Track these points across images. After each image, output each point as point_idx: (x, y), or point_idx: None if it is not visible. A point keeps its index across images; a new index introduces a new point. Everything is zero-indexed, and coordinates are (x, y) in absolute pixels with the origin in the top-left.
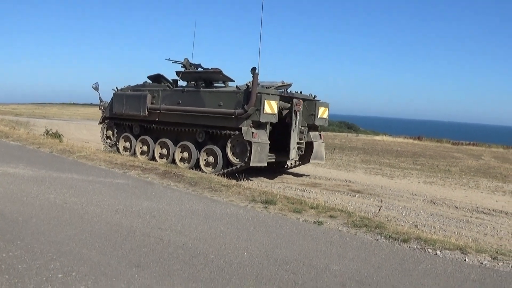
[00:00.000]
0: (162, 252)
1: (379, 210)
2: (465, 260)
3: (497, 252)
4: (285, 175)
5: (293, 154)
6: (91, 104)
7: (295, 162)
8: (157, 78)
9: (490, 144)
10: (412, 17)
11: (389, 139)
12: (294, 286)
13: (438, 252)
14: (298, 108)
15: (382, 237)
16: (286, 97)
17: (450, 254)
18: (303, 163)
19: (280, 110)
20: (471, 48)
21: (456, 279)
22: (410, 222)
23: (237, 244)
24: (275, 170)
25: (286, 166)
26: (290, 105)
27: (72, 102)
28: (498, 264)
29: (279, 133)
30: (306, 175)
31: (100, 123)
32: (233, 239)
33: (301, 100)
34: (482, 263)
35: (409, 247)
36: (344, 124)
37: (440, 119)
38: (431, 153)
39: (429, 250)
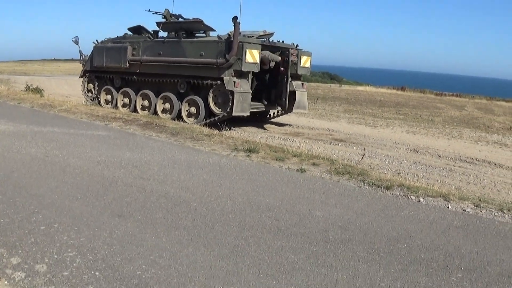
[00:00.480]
0: (144, 201)
1: (362, 157)
2: (448, 207)
3: (480, 200)
4: (268, 125)
5: (305, 105)
6: (72, 60)
7: (278, 112)
8: (138, 30)
9: (474, 95)
10: None
11: (372, 89)
12: (277, 232)
13: (421, 199)
14: (294, 58)
15: (365, 184)
16: (268, 46)
17: (433, 201)
18: (286, 113)
19: (269, 61)
20: None
21: (439, 225)
22: (393, 170)
23: (220, 192)
24: (257, 120)
25: (268, 116)
26: (279, 56)
27: (53, 58)
28: (481, 211)
29: (269, 83)
30: (289, 125)
31: (81, 76)
32: (215, 187)
33: (296, 50)
34: (465, 210)
35: (392, 194)
36: (327, 74)
37: (423, 70)
38: (414, 104)
39: (412, 197)
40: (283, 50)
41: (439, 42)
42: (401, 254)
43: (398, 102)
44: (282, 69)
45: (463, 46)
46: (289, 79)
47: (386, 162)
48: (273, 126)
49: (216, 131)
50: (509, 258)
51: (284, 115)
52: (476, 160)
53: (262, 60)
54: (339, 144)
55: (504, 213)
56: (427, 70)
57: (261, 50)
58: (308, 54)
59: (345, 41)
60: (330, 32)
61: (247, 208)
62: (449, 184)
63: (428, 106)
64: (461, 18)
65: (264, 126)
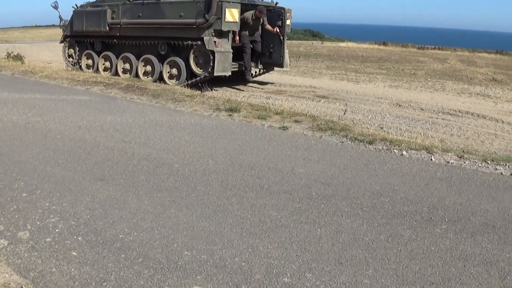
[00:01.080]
0: (126, 164)
1: (344, 113)
2: (431, 159)
3: (463, 151)
4: (250, 84)
5: (287, 63)
6: (53, 25)
7: (260, 71)
8: None
9: (456, 48)
10: None
11: (354, 45)
12: (259, 190)
13: (404, 153)
14: (288, 17)
15: (348, 140)
16: (247, 5)
17: (416, 154)
18: (268, 71)
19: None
20: None
21: (423, 177)
22: (376, 125)
23: (202, 153)
24: (239, 79)
25: (250, 74)
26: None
27: (34, 25)
28: (464, 162)
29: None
30: (271, 83)
31: (61, 42)
32: (197, 147)
33: (290, 9)
34: (449, 162)
35: (375, 148)
36: (308, 32)
37: (406, 24)
38: (396, 58)
39: (395, 150)
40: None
41: None
42: (384, 207)
43: (380, 57)
44: (276, 29)
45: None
46: (286, 38)
47: (369, 117)
48: (255, 85)
49: (198, 92)
50: (493, 208)
51: (266, 74)
52: (459, 112)
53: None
54: (322, 101)
55: (488, 163)
56: (409, 24)
57: (241, 8)
58: (288, 11)
59: None
60: None
61: (229, 168)
62: (432, 137)
63: (410, 60)
64: None
65: (246, 85)
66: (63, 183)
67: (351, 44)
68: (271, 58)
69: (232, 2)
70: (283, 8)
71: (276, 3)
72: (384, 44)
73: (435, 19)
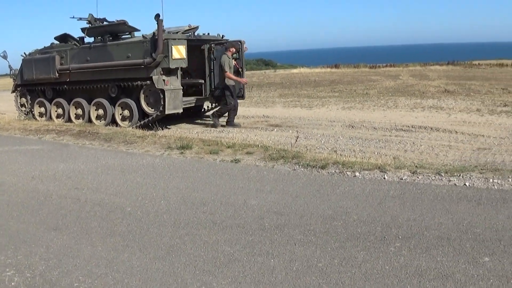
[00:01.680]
0: (79, 211)
1: (296, 140)
2: (384, 178)
3: (416, 166)
4: (204, 119)
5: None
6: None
7: (212, 105)
8: (64, 38)
9: (408, 63)
10: None
11: (307, 70)
12: (212, 226)
13: (357, 174)
14: (245, 49)
15: (300, 167)
16: (194, 41)
17: (369, 174)
18: (220, 105)
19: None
20: None
21: (375, 197)
22: (329, 148)
23: (154, 193)
24: (193, 115)
25: (203, 109)
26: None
27: None
28: (417, 177)
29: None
30: (224, 116)
31: (13, 91)
32: (149, 189)
33: (244, 41)
34: (402, 179)
35: (328, 172)
36: (261, 61)
37: (357, 45)
38: (349, 79)
39: (347, 173)
40: (231, 43)
41: (368, 15)
42: (338, 231)
43: (333, 80)
44: (235, 62)
45: (391, 17)
46: (245, 70)
47: (322, 141)
48: (209, 119)
49: (150, 132)
50: (447, 220)
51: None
52: (412, 127)
53: None
54: (275, 130)
55: (442, 175)
56: (360, 44)
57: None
58: (244, 43)
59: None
60: (261, 18)
61: (181, 206)
62: (386, 155)
63: (363, 80)
64: None
65: (199, 120)
66: (17, 236)
67: (303, 70)
68: None
69: (178, 39)
70: (240, 41)
71: (223, 36)
72: (336, 66)
73: (386, 37)
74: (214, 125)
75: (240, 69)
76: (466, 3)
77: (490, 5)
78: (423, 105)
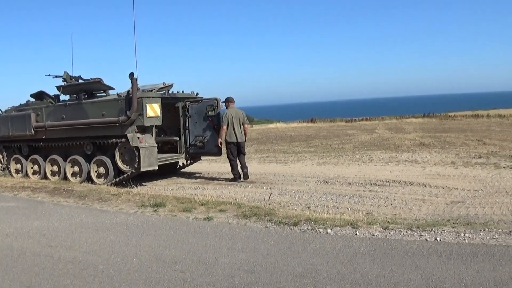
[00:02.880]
0: (52, 269)
1: (269, 197)
2: (356, 234)
3: (388, 222)
4: (179, 176)
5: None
6: None
7: (187, 162)
8: (40, 95)
9: (384, 116)
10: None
11: (283, 125)
12: (183, 284)
13: (329, 230)
14: (220, 106)
15: (272, 224)
16: (168, 98)
17: (341, 231)
18: (195, 161)
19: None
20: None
21: (346, 254)
22: (303, 205)
23: (126, 251)
24: (168, 172)
25: (178, 166)
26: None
27: None
28: (389, 233)
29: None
30: (200, 173)
31: None
32: (122, 246)
33: (219, 98)
34: (374, 235)
35: (300, 229)
36: None
37: (333, 99)
38: (324, 134)
39: (319, 229)
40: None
41: (345, 69)
42: None
43: (309, 135)
44: (210, 119)
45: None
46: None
47: (296, 198)
48: (184, 176)
49: (124, 189)
50: (416, 276)
51: (195, 163)
52: (386, 181)
53: None
54: (249, 186)
55: (413, 231)
56: (337, 98)
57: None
58: (219, 101)
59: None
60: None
61: (153, 264)
62: (359, 211)
63: (339, 134)
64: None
65: (175, 177)
66: None
67: (279, 125)
68: (203, 148)
69: (153, 97)
70: (216, 99)
71: (197, 94)
72: (312, 121)
73: (363, 91)
74: (234, 181)
75: (215, 126)
76: (440, 56)
77: (464, 57)
78: (398, 159)
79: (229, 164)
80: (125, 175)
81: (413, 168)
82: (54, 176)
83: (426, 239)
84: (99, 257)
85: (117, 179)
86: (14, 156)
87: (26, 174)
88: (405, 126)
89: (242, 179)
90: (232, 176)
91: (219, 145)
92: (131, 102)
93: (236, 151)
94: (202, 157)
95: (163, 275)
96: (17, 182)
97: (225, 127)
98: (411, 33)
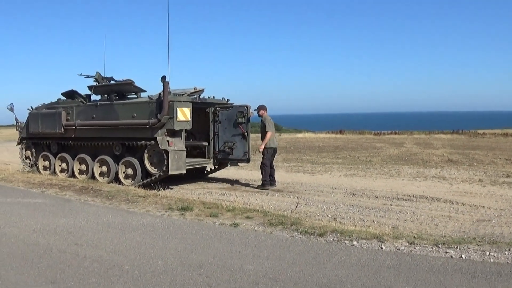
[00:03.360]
0: (78, 267)
1: (296, 206)
2: (381, 247)
3: (414, 237)
4: (206, 181)
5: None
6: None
7: (215, 167)
8: (71, 94)
9: (413, 131)
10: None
11: (311, 135)
12: None
13: (355, 243)
14: (251, 114)
15: (298, 233)
16: (199, 103)
17: (367, 243)
18: (223, 167)
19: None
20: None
21: (371, 267)
22: (329, 216)
23: (152, 253)
24: (196, 176)
25: (206, 171)
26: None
27: None
28: (415, 248)
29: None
30: (227, 179)
31: (18, 143)
32: (148, 248)
33: (250, 105)
34: (399, 249)
35: (325, 240)
36: None
37: (362, 111)
38: (353, 146)
39: (345, 241)
40: (238, 109)
41: (374, 82)
42: None
43: (337, 146)
44: (241, 126)
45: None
46: (250, 134)
47: (323, 208)
48: (211, 181)
49: (152, 192)
50: None
51: (222, 169)
52: (413, 196)
53: None
54: (276, 195)
55: (439, 247)
56: (366, 111)
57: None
58: (250, 108)
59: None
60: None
61: (178, 267)
62: (385, 224)
63: (367, 147)
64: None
65: (202, 181)
66: (15, 287)
67: (308, 135)
68: (232, 154)
69: (184, 101)
70: (246, 106)
71: (228, 100)
72: (341, 132)
73: (392, 104)
74: (264, 188)
75: (245, 133)
76: (472, 73)
77: (495, 75)
78: (425, 174)
79: (256, 171)
80: (153, 178)
81: (441, 184)
82: (82, 175)
83: (451, 256)
84: (124, 258)
85: (145, 181)
86: (43, 153)
87: (54, 172)
88: (434, 141)
89: (271, 186)
90: (261, 182)
91: (260, 150)
92: (162, 105)
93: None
94: (229, 164)
95: (188, 279)
96: (45, 179)
97: (271, 132)
98: (443, 51)
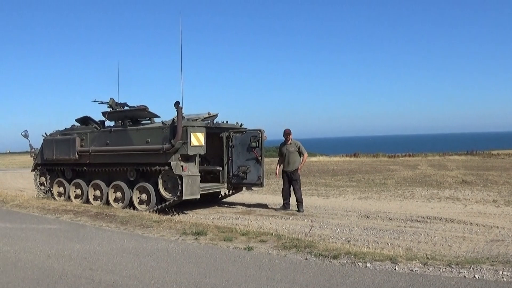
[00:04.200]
0: None
1: (310, 229)
2: (395, 269)
3: (428, 258)
4: (221, 205)
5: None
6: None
7: (229, 191)
8: (85, 121)
9: (427, 153)
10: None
11: (326, 159)
12: None
13: (369, 265)
14: (264, 138)
15: (312, 256)
16: (212, 128)
17: (380, 265)
18: (237, 192)
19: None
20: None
21: None
22: (344, 239)
23: (167, 278)
24: (210, 201)
25: (220, 196)
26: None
27: (8, 151)
28: (428, 269)
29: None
30: (242, 203)
31: (33, 170)
32: (162, 273)
33: (263, 130)
34: (413, 270)
35: (339, 262)
36: None
37: (376, 134)
38: (367, 169)
39: (359, 263)
40: (250, 132)
41: (387, 104)
42: None
43: (351, 169)
44: (254, 151)
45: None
46: (264, 158)
47: (337, 231)
48: (226, 205)
49: (166, 217)
50: None
51: (236, 194)
52: (427, 218)
53: None
54: (290, 218)
55: (452, 267)
56: (380, 133)
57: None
58: (263, 132)
59: (295, 114)
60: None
61: None
62: (399, 246)
63: (381, 170)
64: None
65: (216, 206)
66: None
67: (322, 158)
68: (246, 178)
69: (197, 126)
70: (260, 130)
71: (241, 124)
72: (355, 155)
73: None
74: (298, 211)
75: (259, 157)
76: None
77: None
78: (439, 195)
79: (271, 195)
80: (167, 203)
81: (454, 205)
82: (96, 200)
83: (465, 276)
84: (139, 282)
85: (159, 206)
86: (57, 179)
87: (69, 198)
88: (448, 163)
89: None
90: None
91: (299, 171)
92: (175, 130)
93: None
94: (243, 188)
95: None
96: (59, 205)
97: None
98: (457, 73)
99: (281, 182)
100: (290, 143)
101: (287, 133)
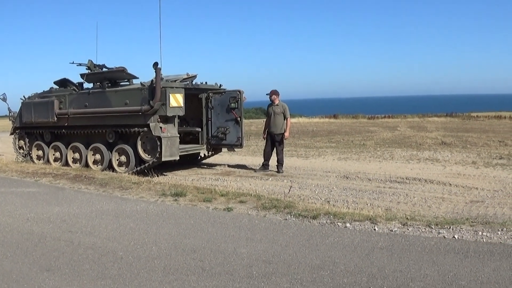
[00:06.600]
0: (72, 254)
1: (289, 190)
2: (374, 229)
3: (407, 218)
4: (200, 167)
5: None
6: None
7: (209, 153)
8: (63, 83)
9: (406, 114)
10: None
11: (305, 120)
12: (201, 272)
13: (348, 225)
14: (243, 99)
15: (292, 216)
16: (191, 89)
17: (360, 225)
18: (216, 153)
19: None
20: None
21: (364, 248)
22: (323, 199)
23: (146, 239)
24: (189, 162)
25: (199, 157)
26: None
27: None
28: (408, 229)
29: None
30: (221, 164)
31: (12, 133)
32: (142, 234)
33: (243, 90)
34: (392, 230)
35: (319, 222)
36: (260, 110)
37: (356, 95)
38: (346, 130)
39: (338, 223)
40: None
41: (368, 66)
42: (324, 281)
43: (331, 130)
44: (233, 112)
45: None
46: (243, 119)
47: (316, 192)
48: (205, 167)
49: (145, 178)
50: (433, 272)
51: (216, 155)
52: (406, 179)
53: None
54: (269, 179)
55: (432, 228)
56: (360, 95)
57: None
58: (243, 93)
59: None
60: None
61: (172, 252)
62: (378, 206)
63: (361, 131)
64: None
65: (196, 167)
66: (10, 275)
67: (302, 120)
68: (225, 140)
69: (176, 87)
70: (239, 91)
71: (220, 85)
72: (335, 117)
73: (385, 88)
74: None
75: (238, 118)
76: (466, 56)
77: (489, 59)
78: (419, 157)
79: (249, 157)
80: (147, 164)
81: (434, 167)
82: (75, 163)
83: (444, 237)
84: (118, 244)
85: (138, 168)
86: (36, 142)
87: (48, 161)
88: (427, 124)
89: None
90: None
91: (286, 138)
92: (154, 91)
93: None
94: (223, 149)
95: (181, 263)
96: (38, 168)
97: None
98: (437, 34)
99: (263, 143)
100: (277, 104)
101: (271, 93)
